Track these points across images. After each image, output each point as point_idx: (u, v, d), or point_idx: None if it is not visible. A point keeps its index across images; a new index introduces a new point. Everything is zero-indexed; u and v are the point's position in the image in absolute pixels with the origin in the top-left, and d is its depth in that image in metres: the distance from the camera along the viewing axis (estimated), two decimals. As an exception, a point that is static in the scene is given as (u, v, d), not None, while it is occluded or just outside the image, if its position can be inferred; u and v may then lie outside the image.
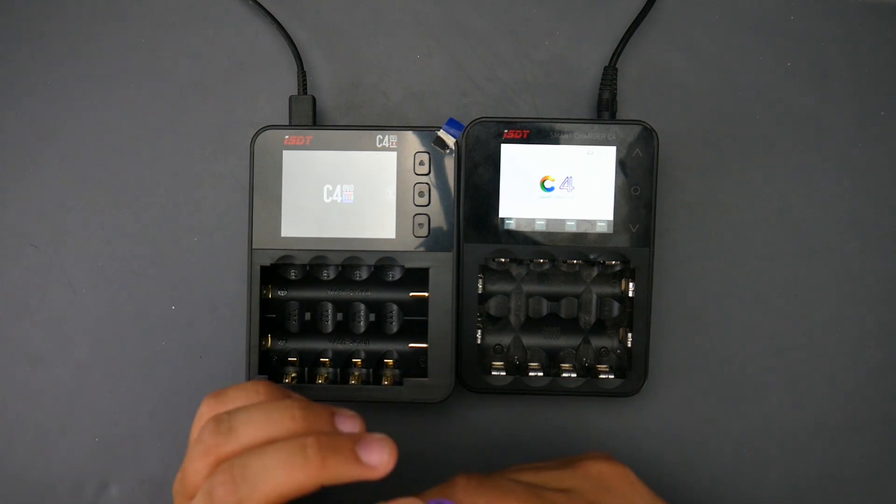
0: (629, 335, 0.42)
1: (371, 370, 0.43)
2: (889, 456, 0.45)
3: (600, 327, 0.44)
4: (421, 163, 0.42)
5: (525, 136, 0.42)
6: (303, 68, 0.44)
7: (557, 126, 0.42)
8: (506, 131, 0.42)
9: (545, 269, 0.43)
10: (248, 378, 0.41)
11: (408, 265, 0.42)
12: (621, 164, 0.42)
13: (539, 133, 0.42)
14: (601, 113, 0.44)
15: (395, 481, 0.30)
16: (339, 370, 0.43)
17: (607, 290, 0.43)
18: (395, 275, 0.43)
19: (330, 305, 0.43)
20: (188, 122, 0.45)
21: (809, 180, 0.45)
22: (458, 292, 0.42)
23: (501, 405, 0.45)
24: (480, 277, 0.43)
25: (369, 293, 0.44)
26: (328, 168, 0.42)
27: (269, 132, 0.42)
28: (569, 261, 0.42)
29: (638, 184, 0.42)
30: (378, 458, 0.30)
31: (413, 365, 0.43)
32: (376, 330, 0.43)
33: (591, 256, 0.42)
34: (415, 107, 0.45)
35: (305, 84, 0.44)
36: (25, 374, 0.45)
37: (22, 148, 0.45)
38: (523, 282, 0.44)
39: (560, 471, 0.36)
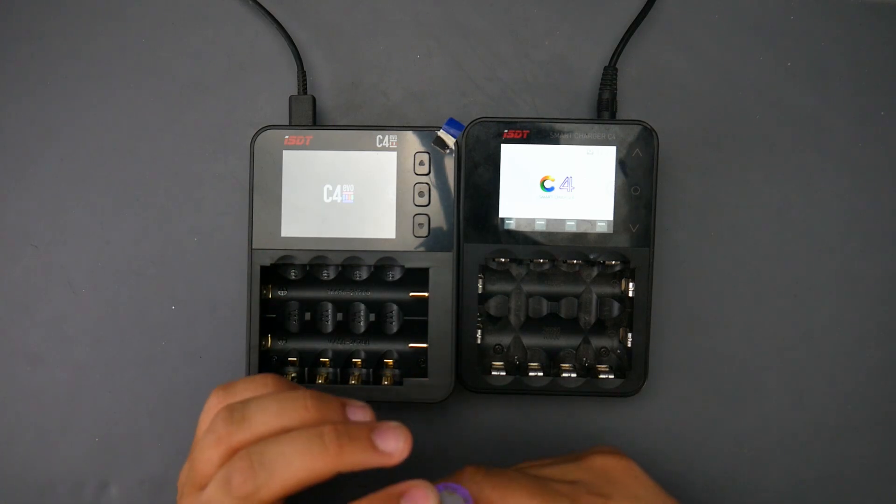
0: (629, 335, 0.42)
1: (371, 370, 0.43)
2: (889, 456, 0.45)
3: (600, 327, 0.44)
4: (421, 163, 0.42)
5: (525, 136, 0.42)
6: (303, 68, 0.44)
7: (557, 126, 0.42)
8: (506, 131, 0.42)
9: (545, 269, 0.44)
10: (248, 378, 0.41)
11: (408, 265, 0.42)
12: (621, 164, 0.42)
13: (539, 133, 0.42)
14: (601, 113, 0.44)
15: (395, 481, 0.30)
16: (339, 370, 0.43)
17: (607, 290, 0.43)
18: (395, 275, 0.43)
19: (330, 305, 0.43)
20: (188, 122, 0.45)
21: (809, 180, 0.45)
22: (458, 292, 0.42)
23: (501, 405, 0.45)
24: (480, 277, 0.43)
25: (369, 293, 0.44)
26: (328, 168, 0.42)
27: (269, 132, 0.42)
28: (569, 261, 0.42)
29: (638, 184, 0.42)
30: (394, 445, 0.30)
31: (413, 365, 0.43)
32: (376, 330, 0.43)
33: (591, 256, 0.42)
34: (415, 107, 0.45)
35: (305, 84, 0.44)
36: (25, 374, 0.45)
37: (22, 148, 0.45)
38: (523, 282, 0.44)
39: (566, 465, 0.36)
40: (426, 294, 0.42)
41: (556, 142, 0.42)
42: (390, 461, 0.30)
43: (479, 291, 0.43)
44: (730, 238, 0.45)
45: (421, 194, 0.42)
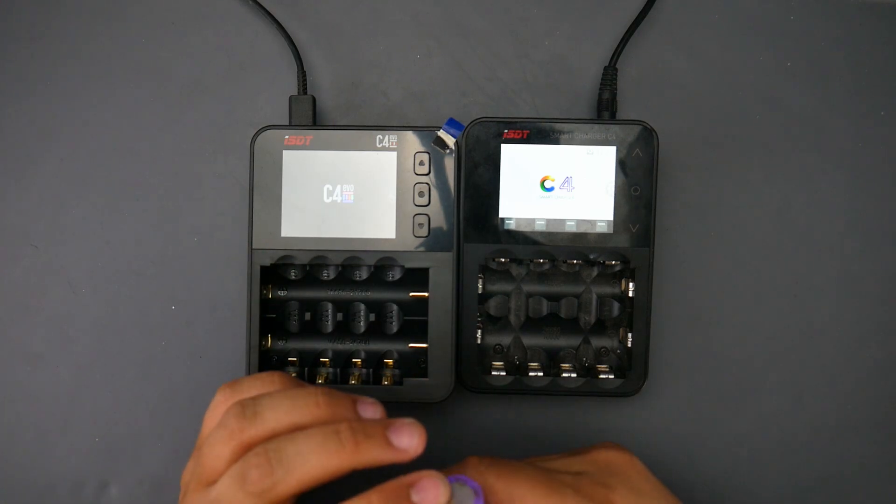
0: (629, 335, 0.42)
1: (371, 370, 0.43)
2: (889, 456, 0.45)
3: (600, 327, 0.44)
4: (421, 163, 0.42)
5: (525, 136, 0.42)
6: (303, 68, 0.44)
7: (557, 126, 0.42)
8: (506, 131, 0.42)
9: (545, 269, 0.43)
10: (248, 378, 0.41)
11: (408, 265, 0.42)
12: (621, 164, 0.42)
13: (539, 133, 0.42)
14: (601, 113, 0.44)
15: (396, 476, 0.30)
16: (339, 370, 0.43)
17: (607, 290, 0.43)
18: (395, 275, 0.43)
19: (330, 305, 0.43)
20: (188, 122, 0.45)
21: (809, 180, 0.45)
22: (458, 292, 0.42)
23: (501, 405, 0.45)
24: (480, 277, 0.43)
25: (369, 293, 0.44)
26: (328, 168, 0.42)
27: (269, 132, 0.42)
28: (569, 261, 0.42)
29: (638, 184, 0.42)
30: (408, 442, 0.30)
31: (413, 365, 0.43)
32: (376, 330, 0.43)
33: (591, 256, 0.42)
34: (415, 107, 0.45)
35: (305, 84, 0.44)
36: (25, 374, 0.45)
37: (22, 148, 0.45)
38: (523, 282, 0.44)
39: (570, 458, 0.37)
40: (426, 294, 0.42)
41: (556, 142, 0.42)
42: (405, 457, 0.30)
43: (479, 291, 0.43)
44: (730, 238, 0.45)
45: (421, 194, 0.42)
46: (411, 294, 0.43)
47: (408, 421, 0.31)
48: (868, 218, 0.45)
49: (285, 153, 0.42)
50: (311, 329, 0.43)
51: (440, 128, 0.41)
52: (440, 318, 0.42)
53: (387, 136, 0.42)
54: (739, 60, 0.46)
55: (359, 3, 0.46)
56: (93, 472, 0.45)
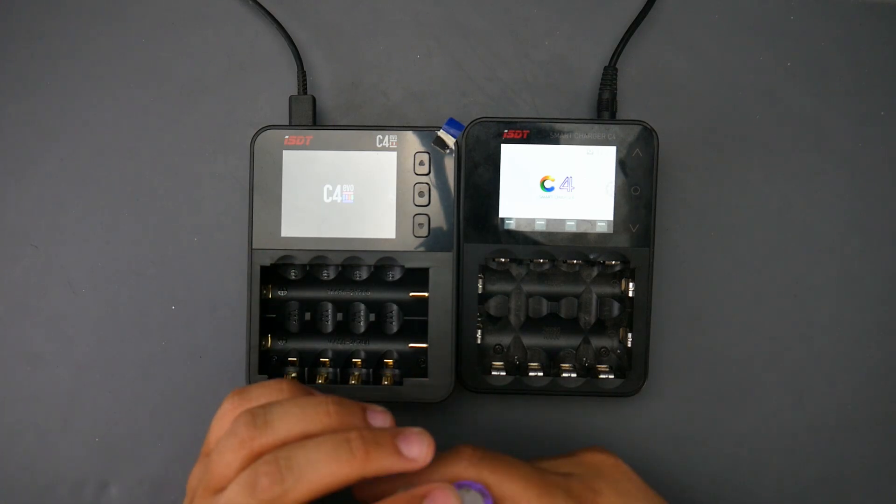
0: (629, 335, 0.42)
1: (371, 370, 0.43)
2: (889, 456, 0.45)
3: (600, 327, 0.44)
4: (421, 163, 0.42)
5: (525, 136, 0.42)
6: (303, 68, 0.44)
7: (557, 126, 0.42)
8: (506, 131, 0.42)
9: (545, 269, 0.43)
10: (249, 378, 0.41)
11: (408, 265, 0.42)
12: (621, 164, 0.42)
13: (539, 133, 0.42)
14: (601, 113, 0.44)
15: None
16: (339, 370, 0.43)
17: (607, 290, 0.43)
18: (395, 275, 0.43)
19: (330, 305, 0.43)
20: (188, 122, 0.45)
21: (809, 180, 0.45)
22: (458, 292, 0.42)
23: (501, 405, 0.45)
24: (480, 277, 0.43)
25: (369, 293, 0.44)
26: (328, 168, 0.42)
27: (269, 132, 0.42)
28: (569, 261, 0.42)
29: (638, 184, 0.42)
30: (418, 451, 0.30)
31: (413, 365, 0.43)
32: (376, 330, 0.43)
33: (591, 256, 0.42)
34: (415, 107, 0.45)
35: (305, 84, 0.44)
36: (25, 374, 0.45)
37: (22, 148, 0.45)
38: (523, 282, 0.44)
39: (558, 460, 0.37)
40: (426, 294, 0.42)
41: (556, 142, 0.42)
42: (415, 466, 0.30)
43: (479, 291, 0.43)
44: (730, 238, 0.45)
45: (421, 194, 0.42)
46: (411, 294, 0.43)
47: (417, 430, 0.31)
48: (868, 218, 0.45)
49: (285, 153, 0.42)
50: (311, 329, 0.43)
51: (440, 128, 0.41)
52: (440, 318, 0.42)
53: (387, 136, 0.42)
54: (739, 60, 0.46)
55: (359, 3, 0.46)
56: (93, 472, 0.45)
